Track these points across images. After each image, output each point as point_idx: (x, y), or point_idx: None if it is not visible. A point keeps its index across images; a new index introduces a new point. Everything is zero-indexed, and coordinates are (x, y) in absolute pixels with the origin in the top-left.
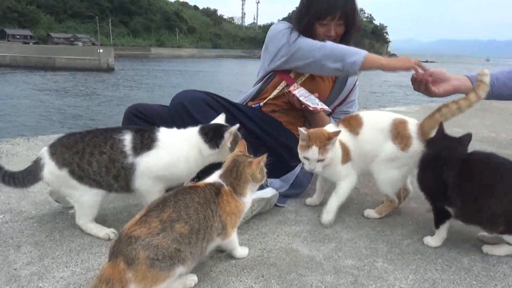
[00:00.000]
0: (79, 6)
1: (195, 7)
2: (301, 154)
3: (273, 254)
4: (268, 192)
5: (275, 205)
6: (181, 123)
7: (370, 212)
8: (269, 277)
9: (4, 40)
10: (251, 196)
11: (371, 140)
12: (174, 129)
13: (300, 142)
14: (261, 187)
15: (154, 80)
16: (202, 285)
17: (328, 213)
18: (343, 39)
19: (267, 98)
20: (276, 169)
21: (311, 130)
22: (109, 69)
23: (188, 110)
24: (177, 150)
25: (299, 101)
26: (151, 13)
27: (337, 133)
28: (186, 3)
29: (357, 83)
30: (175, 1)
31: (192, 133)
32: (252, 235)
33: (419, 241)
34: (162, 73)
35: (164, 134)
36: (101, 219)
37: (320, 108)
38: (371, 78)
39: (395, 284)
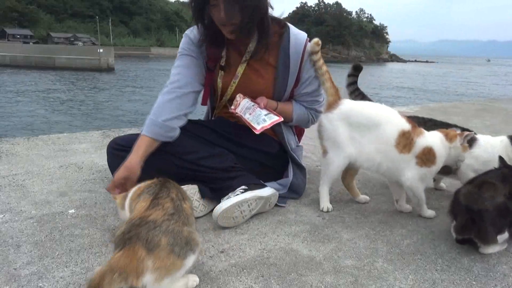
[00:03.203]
0: (79, 6)
1: None
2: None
3: (273, 254)
4: (266, 191)
5: (276, 204)
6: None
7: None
8: (269, 277)
9: (4, 39)
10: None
11: None
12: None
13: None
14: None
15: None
16: (202, 285)
17: None
18: (243, 28)
19: (215, 114)
20: (267, 177)
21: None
22: (109, 69)
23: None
24: None
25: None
26: (151, 13)
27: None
28: (186, 3)
29: (305, 58)
30: (175, 1)
31: None
32: (252, 235)
33: (419, 241)
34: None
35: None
36: (101, 219)
37: (269, 124)
38: (370, 80)
39: (395, 284)
